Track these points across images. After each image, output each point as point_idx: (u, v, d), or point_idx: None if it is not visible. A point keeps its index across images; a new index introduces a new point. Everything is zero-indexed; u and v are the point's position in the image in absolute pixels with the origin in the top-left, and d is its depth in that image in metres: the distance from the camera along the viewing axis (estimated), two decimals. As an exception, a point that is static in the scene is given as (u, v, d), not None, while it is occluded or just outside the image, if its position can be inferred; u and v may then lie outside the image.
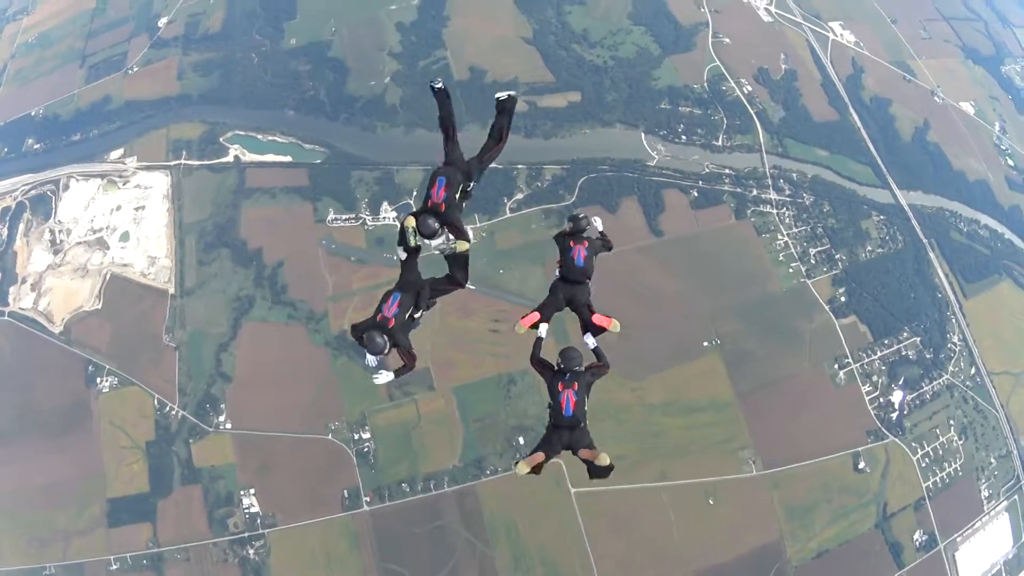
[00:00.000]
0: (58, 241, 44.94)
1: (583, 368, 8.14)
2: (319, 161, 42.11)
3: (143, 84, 47.09)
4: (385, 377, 8.21)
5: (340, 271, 39.79)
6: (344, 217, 40.69)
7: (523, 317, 8.30)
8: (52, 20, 52.85)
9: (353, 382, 38.54)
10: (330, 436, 38.04)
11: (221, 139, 43.15)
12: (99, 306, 42.67)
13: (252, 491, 38.50)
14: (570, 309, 8.47)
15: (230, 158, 42.58)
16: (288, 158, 42.13)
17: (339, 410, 38.41)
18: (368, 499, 37.35)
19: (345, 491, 37.64)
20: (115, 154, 45.21)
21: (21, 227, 46.49)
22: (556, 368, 8.15)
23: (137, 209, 43.32)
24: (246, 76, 44.71)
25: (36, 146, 47.99)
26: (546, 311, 8.37)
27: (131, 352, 41.23)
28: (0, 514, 42.03)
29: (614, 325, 8.21)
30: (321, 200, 41.24)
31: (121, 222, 43.50)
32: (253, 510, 38.34)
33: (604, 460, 7.58)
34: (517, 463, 7.70)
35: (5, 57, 52.09)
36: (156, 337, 40.83)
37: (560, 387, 7.90)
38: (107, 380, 41.21)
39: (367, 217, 40.65)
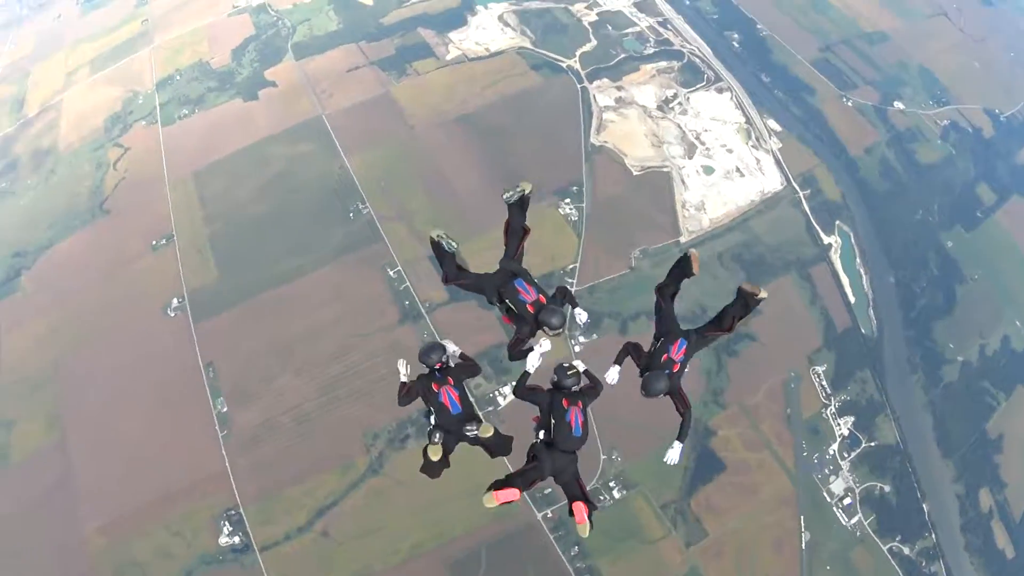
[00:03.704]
0: (626, 102, 42.76)
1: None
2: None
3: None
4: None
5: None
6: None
7: (497, 490, 6.86)
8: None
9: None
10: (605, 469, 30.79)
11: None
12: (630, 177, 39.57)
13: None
14: (555, 481, 7.29)
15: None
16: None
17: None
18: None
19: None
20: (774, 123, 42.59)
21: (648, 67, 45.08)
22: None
23: (736, 169, 40.11)
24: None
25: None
26: (524, 481, 7.03)
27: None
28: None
29: (582, 528, 7.02)
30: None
31: (719, 162, 40.58)
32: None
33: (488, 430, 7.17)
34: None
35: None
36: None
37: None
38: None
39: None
